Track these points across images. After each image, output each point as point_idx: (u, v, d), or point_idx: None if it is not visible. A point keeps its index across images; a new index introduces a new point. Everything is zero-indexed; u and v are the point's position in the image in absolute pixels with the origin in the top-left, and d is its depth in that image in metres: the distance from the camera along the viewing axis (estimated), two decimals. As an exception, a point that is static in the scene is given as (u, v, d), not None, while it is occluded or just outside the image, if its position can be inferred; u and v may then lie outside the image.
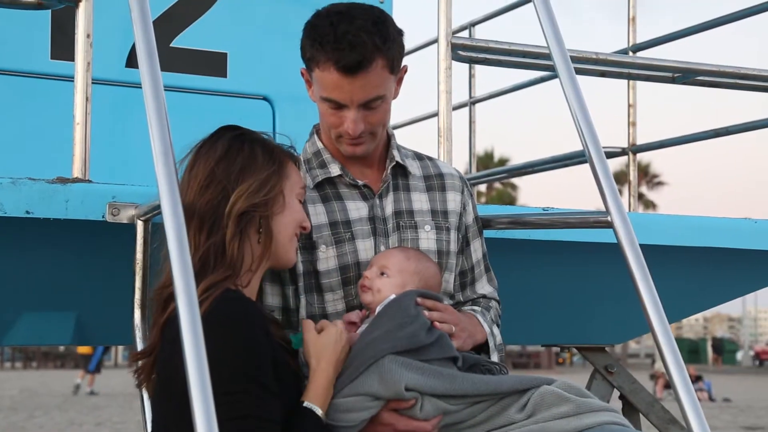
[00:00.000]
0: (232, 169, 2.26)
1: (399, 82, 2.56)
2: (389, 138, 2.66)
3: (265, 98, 3.85)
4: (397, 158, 2.64)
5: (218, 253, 2.21)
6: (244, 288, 2.25)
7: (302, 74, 2.54)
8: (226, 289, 2.15)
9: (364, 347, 2.29)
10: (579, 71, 3.40)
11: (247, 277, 2.26)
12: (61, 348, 46.27)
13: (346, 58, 2.37)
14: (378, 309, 2.41)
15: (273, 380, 2.09)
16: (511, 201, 46.35)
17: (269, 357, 2.10)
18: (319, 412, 2.19)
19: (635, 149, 5.06)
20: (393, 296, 2.41)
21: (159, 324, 2.20)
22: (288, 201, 2.33)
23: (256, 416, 2.00)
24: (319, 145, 2.63)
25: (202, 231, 2.21)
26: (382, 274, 2.45)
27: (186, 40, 3.68)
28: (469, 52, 3.39)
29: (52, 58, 3.47)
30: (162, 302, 2.21)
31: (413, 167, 2.69)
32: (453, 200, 2.69)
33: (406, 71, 2.57)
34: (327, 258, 2.52)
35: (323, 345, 2.27)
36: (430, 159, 2.77)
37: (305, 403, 2.18)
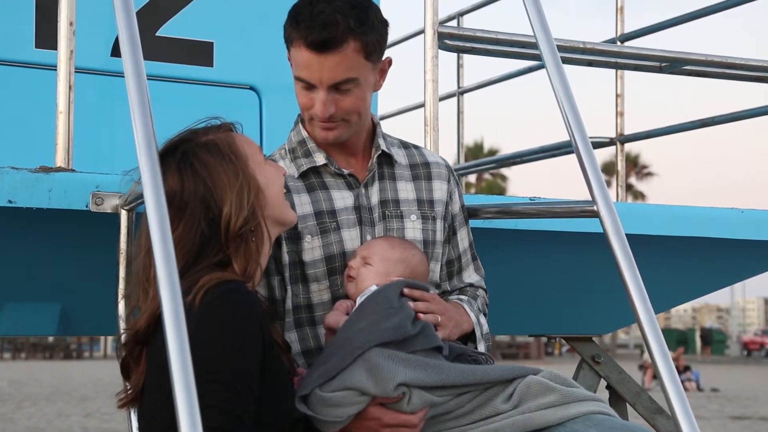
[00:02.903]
0: (199, 194, 2.17)
1: (382, 74, 2.55)
2: (375, 127, 2.65)
3: (251, 88, 3.82)
4: (383, 147, 2.62)
5: (225, 264, 2.17)
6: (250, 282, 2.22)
7: (289, 59, 2.54)
8: (232, 280, 2.11)
9: (351, 338, 2.28)
10: (566, 60, 3.40)
11: (259, 273, 2.24)
12: (50, 339, 46.20)
13: (314, 35, 2.37)
14: (359, 299, 2.40)
15: (256, 381, 2.06)
16: (501, 192, 46.43)
17: (259, 357, 2.07)
18: None
19: (623, 139, 5.06)
20: (374, 287, 2.40)
21: (144, 351, 2.15)
22: (263, 183, 2.26)
23: (229, 411, 1.96)
24: (304, 134, 2.62)
25: (198, 261, 2.16)
26: (366, 263, 2.44)
27: (172, 29, 3.66)
28: (455, 41, 3.38)
29: (36, 47, 3.44)
30: (136, 337, 2.14)
31: (399, 156, 2.68)
32: (439, 189, 2.68)
33: (390, 63, 2.56)
34: (312, 248, 2.51)
35: None
36: (416, 147, 2.76)
37: None
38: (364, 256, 2.46)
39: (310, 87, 2.45)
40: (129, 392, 2.20)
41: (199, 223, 2.16)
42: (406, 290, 2.39)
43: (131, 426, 2.34)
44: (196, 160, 2.21)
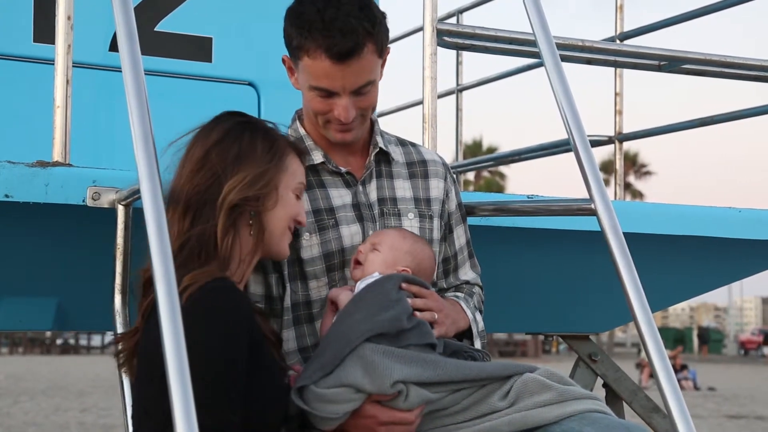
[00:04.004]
0: (227, 156, 2.22)
1: (383, 63, 2.54)
2: (372, 124, 2.64)
3: (250, 84, 3.82)
4: (381, 144, 2.62)
5: (208, 245, 2.18)
6: (238, 282, 2.23)
7: (284, 61, 2.51)
8: (219, 278, 2.12)
9: (347, 330, 2.28)
10: (565, 58, 3.40)
11: (240, 271, 2.24)
12: (48, 333, 46.17)
13: (338, 45, 2.33)
14: (359, 284, 2.40)
15: (243, 379, 2.07)
16: (499, 190, 46.38)
17: (246, 355, 2.08)
18: None
19: (621, 138, 5.06)
20: (377, 274, 2.40)
21: (143, 307, 2.18)
22: (282, 195, 2.29)
23: (216, 410, 1.97)
24: (302, 131, 2.61)
25: (186, 217, 2.19)
26: (375, 249, 2.45)
27: (171, 24, 3.65)
28: (454, 38, 3.37)
29: (34, 41, 3.43)
30: (144, 284, 2.19)
31: (396, 153, 2.67)
32: (436, 187, 2.67)
33: (389, 52, 2.55)
34: (311, 245, 2.50)
35: None
36: (413, 145, 2.76)
37: None
38: (374, 242, 2.46)
39: (329, 94, 2.43)
40: (123, 347, 2.24)
41: (213, 174, 2.21)
42: (404, 285, 2.38)
43: (127, 420, 2.34)
44: (248, 130, 2.28)
